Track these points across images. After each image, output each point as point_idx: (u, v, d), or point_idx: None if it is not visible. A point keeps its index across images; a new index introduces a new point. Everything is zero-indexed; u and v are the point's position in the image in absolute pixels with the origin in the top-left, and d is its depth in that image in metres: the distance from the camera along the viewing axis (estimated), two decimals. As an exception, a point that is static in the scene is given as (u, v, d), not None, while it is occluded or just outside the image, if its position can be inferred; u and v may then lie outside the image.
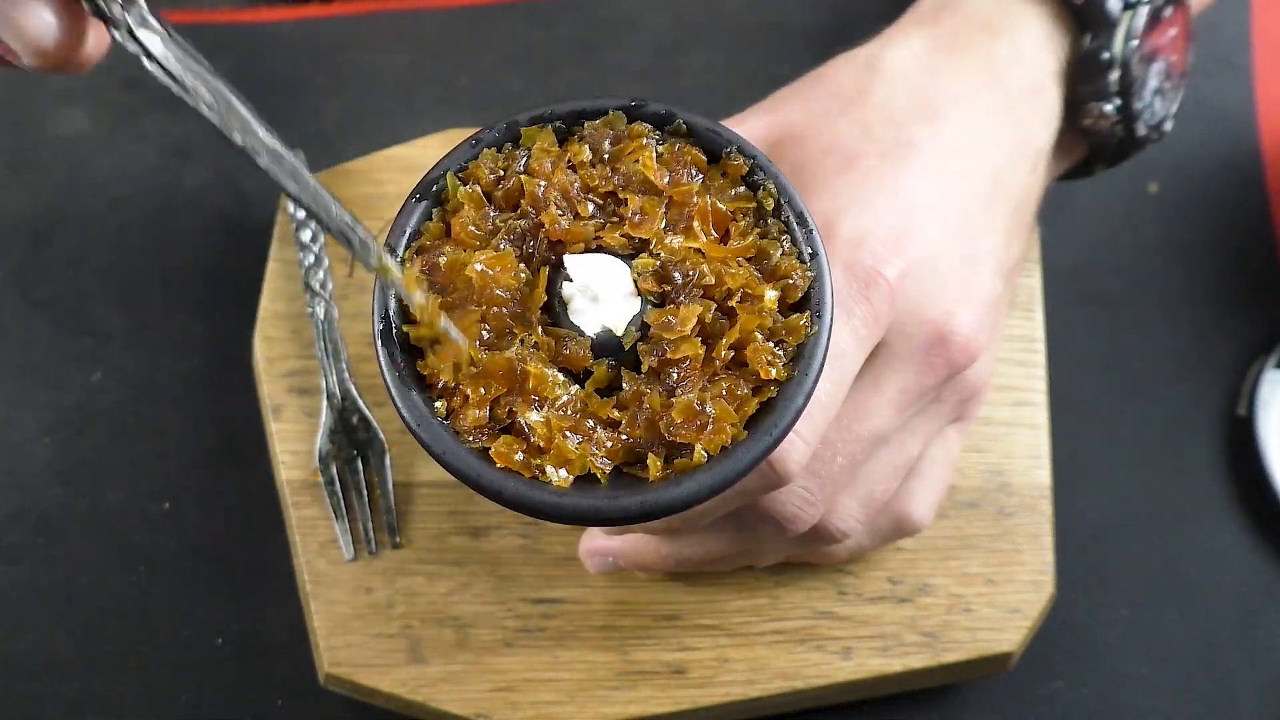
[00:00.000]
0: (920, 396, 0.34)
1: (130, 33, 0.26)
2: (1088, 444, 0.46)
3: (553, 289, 0.29)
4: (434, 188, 0.30)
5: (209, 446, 0.47)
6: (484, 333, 0.28)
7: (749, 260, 0.29)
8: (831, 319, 0.28)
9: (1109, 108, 0.39)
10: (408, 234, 0.29)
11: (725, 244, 0.29)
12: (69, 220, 0.52)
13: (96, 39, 0.29)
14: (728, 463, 0.27)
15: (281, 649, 0.43)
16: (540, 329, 0.28)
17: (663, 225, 0.29)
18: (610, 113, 0.31)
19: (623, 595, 0.41)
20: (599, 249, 0.29)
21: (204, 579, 0.45)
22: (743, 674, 0.40)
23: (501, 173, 0.30)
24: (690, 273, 0.28)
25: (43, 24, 0.27)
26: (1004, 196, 0.37)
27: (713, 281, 0.28)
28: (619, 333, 0.28)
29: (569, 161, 0.30)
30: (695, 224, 0.29)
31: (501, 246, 0.29)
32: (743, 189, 0.30)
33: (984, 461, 0.43)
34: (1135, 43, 0.38)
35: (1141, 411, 0.47)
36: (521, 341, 0.28)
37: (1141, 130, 0.40)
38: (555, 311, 0.29)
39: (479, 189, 0.30)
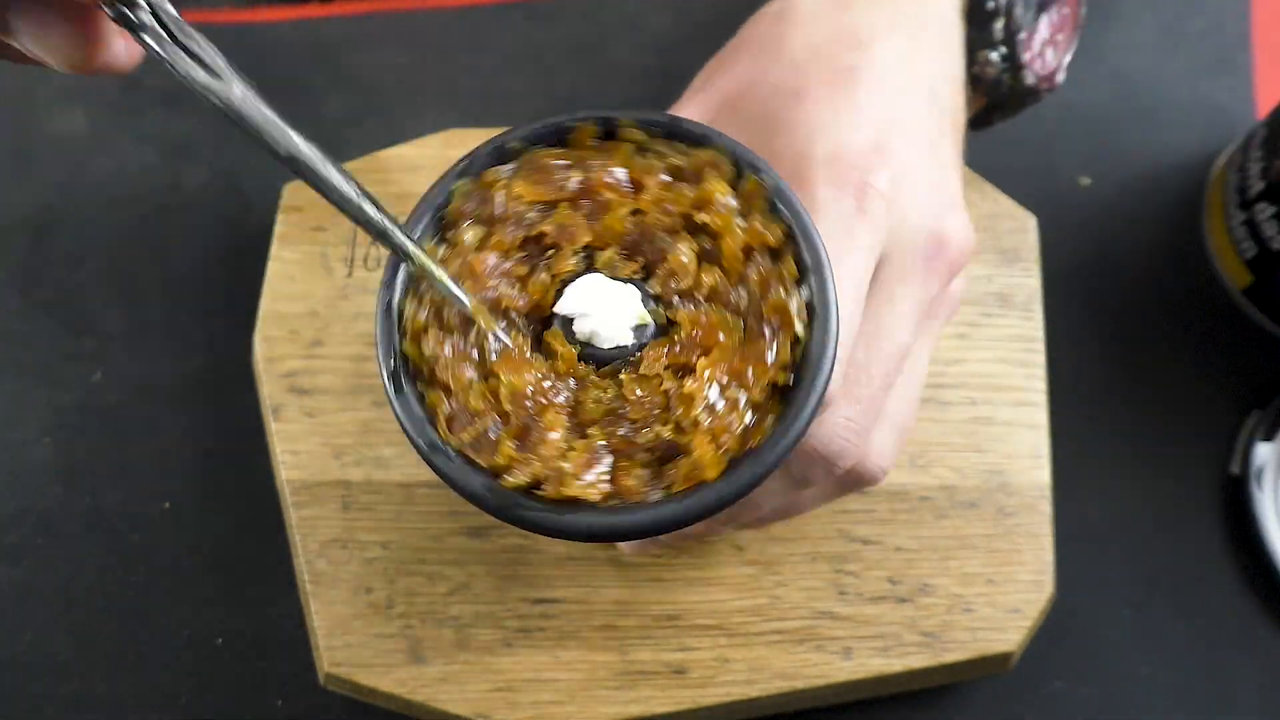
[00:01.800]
0: (930, 304, 0.34)
1: (159, 40, 0.25)
2: (1088, 444, 0.46)
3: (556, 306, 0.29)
4: (440, 204, 0.30)
5: (209, 446, 0.47)
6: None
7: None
8: (834, 356, 0.28)
9: (994, 55, 0.39)
10: (426, 221, 0.29)
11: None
12: (69, 220, 0.52)
13: (131, 47, 0.28)
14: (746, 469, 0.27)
15: (281, 649, 0.44)
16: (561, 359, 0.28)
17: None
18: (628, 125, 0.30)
19: (623, 595, 0.41)
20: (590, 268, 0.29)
21: (204, 579, 0.45)
22: (743, 674, 0.40)
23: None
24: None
25: (62, 39, 0.26)
26: (941, 109, 0.37)
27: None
28: (627, 343, 0.28)
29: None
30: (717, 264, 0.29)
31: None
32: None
33: (984, 461, 0.43)
34: None
35: (1142, 411, 0.47)
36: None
37: (1029, 79, 0.40)
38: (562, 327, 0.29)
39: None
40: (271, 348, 0.45)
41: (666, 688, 0.40)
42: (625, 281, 0.28)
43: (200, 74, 0.25)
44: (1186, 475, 0.46)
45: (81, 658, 0.44)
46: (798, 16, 0.38)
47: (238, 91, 0.25)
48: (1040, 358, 0.45)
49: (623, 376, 0.28)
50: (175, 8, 0.26)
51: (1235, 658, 0.43)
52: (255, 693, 0.43)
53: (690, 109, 0.37)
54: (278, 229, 0.47)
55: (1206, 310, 0.48)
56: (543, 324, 0.29)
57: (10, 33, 0.26)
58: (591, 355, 0.28)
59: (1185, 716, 0.42)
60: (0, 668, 0.44)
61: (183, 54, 0.25)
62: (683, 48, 0.55)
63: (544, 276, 0.29)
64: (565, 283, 0.29)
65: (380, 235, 0.27)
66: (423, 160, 0.48)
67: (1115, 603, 0.44)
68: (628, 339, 0.28)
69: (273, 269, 0.46)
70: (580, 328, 0.28)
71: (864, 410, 0.32)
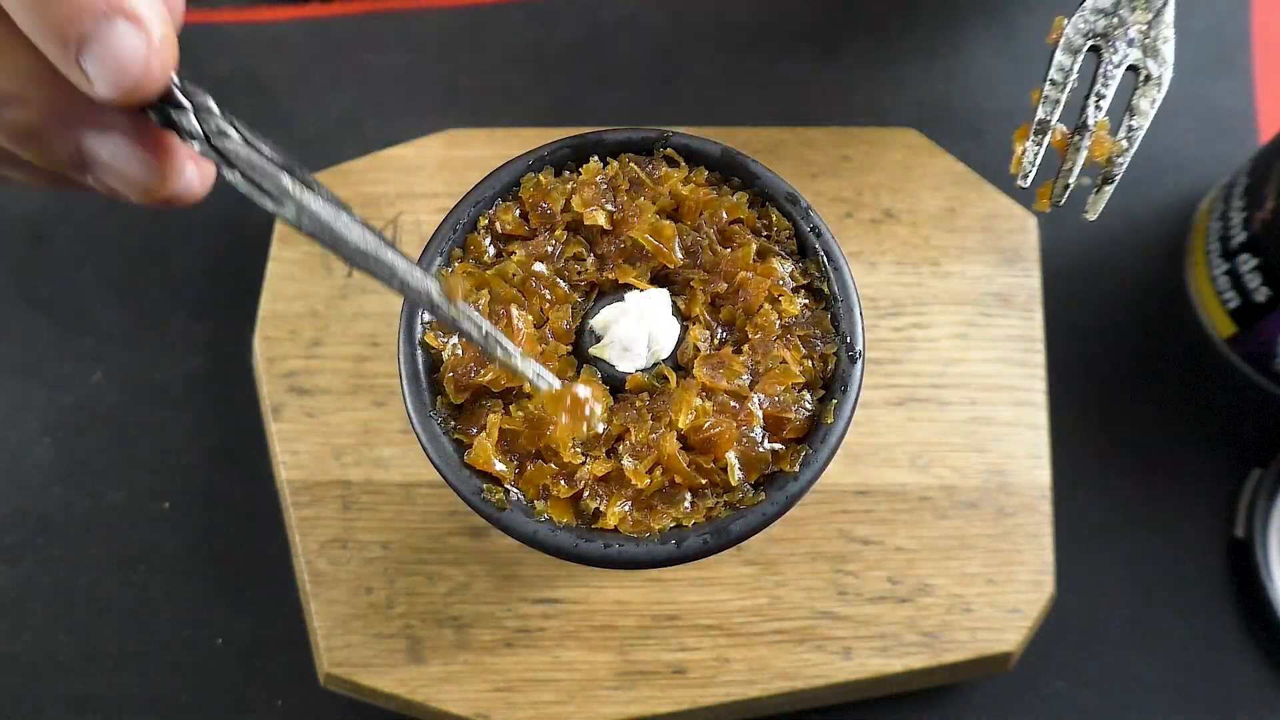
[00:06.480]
0: None
1: (209, 142, 0.24)
2: (1088, 444, 0.46)
3: (582, 334, 0.29)
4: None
5: (209, 446, 0.47)
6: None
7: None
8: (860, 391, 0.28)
9: None
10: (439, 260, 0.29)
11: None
12: (69, 220, 0.52)
13: (203, 172, 0.27)
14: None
15: (281, 649, 0.44)
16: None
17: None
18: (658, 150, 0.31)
19: (623, 595, 0.41)
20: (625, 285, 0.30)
21: (204, 579, 0.45)
22: (743, 674, 0.40)
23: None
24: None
25: (123, 155, 0.25)
26: None
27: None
28: (666, 356, 0.28)
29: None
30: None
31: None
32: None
33: (984, 461, 0.43)
34: None
35: (1142, 409, 0.47)
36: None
37: None
38: (586, 353, 0.29)
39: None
40: (271, 348, 0.45)
41: (666, 688, 0.40)
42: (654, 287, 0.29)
43: (266, 190, 0.24)
44: (1187, 474, 0.46)
45: (81, 658, 0.44)
46: None
47: (310, 205, 0.24)
48: (1040, 358, 0.45)
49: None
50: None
51: (1235, 658, 0.43)
52: (255, 693, 0.43)
53: None
54: (278, 229, 0.47)
55: (1205, 310, 0.48)
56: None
57: (87, 167, 0.25)
58: (608, 378, 0.29)
59: (1185, 716, 0.42)
60: (0, 668, 0.44)
61: (244, 168, 0.24)
62: (683, 48, 0.55)
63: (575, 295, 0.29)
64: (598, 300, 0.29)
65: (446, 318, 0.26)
66: (423, 160, 0.48)
67: (1115, 603, 0.44)
68: (666, 351, 0.28)
69: (273, 269, 0.46)
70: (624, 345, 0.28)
71: None
